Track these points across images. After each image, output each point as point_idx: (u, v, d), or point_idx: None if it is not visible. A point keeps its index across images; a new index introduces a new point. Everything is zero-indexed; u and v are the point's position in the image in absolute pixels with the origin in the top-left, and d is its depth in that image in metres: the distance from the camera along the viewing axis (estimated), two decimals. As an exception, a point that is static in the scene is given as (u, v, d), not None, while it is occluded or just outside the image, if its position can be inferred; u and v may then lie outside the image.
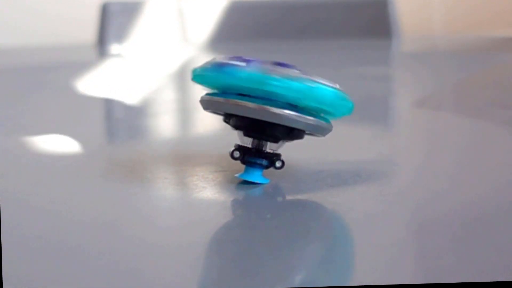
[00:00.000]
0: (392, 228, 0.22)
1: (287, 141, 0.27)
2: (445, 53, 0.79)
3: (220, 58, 0.25)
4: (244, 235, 0.22)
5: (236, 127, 0.26)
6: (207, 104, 0.26)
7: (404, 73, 0.65)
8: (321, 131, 0.26)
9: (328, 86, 0.25)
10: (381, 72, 0.63)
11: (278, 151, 0.27)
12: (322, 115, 0.26)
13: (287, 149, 0.31)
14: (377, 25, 0.98)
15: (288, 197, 0.26)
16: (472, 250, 0.20)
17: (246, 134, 0.26)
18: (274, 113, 0.25)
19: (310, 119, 0.25)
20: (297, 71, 0.25)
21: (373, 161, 0.31)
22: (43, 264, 0.19)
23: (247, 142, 0.27)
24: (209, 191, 0.26)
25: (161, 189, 0.27)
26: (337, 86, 0.26)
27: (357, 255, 0.20)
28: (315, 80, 0.25)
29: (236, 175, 0.27)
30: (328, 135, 0.27)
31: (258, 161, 0.26)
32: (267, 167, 0.26)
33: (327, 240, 0.21)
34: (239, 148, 0.26)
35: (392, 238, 0.21)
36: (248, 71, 0.24)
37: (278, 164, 0.26)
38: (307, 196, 0.26)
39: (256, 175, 0.26)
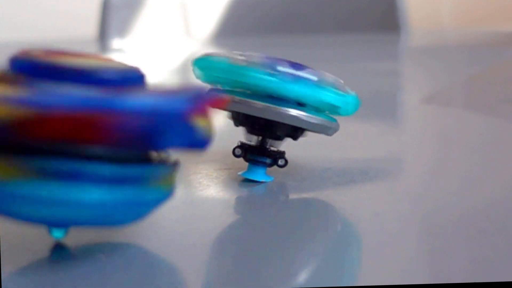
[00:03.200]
0: (400, 228, 0.22)
1: (292, 139, 0.26)
2: (455, 47, 0.78)
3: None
4: (248, 234, 0.21)
5: (240, 124, 0.26)
6: None
7: (413, 68, 0.64)
8: (327, 130, 0.26)
9: (335, 90, 0.25)
10: (389, 67, 0.63)
11: (283, 147, 0.26)
12: (327, 113, 0.26)
13: (292, 146, 0.31)
14: (385, 19, 0.97)
15: (293, 196, 0.25)
16: (484, 250, 0.19)
17: (250, 131, 0.26)
18: (280, 113, 0.24)
19: (316, 118, 0.25)
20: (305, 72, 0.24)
21: (381, 159, 0.30)
22: (46, 265, 0.19)
23: (251, 139, 0.26)
24: (213, 189, 0.26)
25: (163, 187, 0.26)
26: (342, 85, 0.25)
27: (364, 255, 0.19)
28: (321, 84, 0.24)
29: (239, 173, 0.27)
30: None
31: (261, 160, 0.26)
32: (270, 165, 0.26)
33: (333, 240, 0.21)
34: (241, 145, 0.26)
35: (400, 238, 0.21)
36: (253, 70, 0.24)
37: (281, 162, 0.26)
38: (312, 194, 0.25)
39: (259, 174, 0.26)
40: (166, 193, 0.19)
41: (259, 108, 0.24)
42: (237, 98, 0.25)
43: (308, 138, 0.30)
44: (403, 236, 0.21)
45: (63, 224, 0.18)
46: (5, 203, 0.18)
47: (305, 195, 0.25)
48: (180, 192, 0.26)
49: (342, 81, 0.26)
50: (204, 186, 0.26)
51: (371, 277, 0.18)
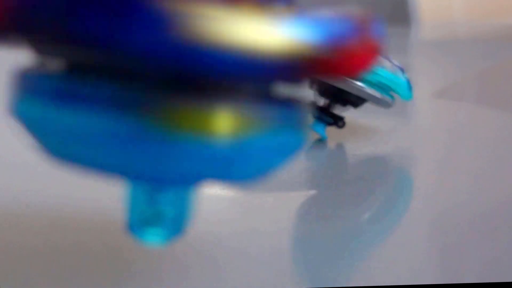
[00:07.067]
0: (411, 226, 0.21)
1: (353, 107, 0.31)
2: (467, 40, 0.77)
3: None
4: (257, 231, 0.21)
5: (314, 87, 0.31)
6: None
7: (424, 62, 0.64)
8: (383, 103, 0.30)
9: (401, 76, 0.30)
10: (399, 61, 0.62)
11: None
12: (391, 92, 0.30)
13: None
14: (395, 11, 0.96)
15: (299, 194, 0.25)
16: (498, 249, 0.19)
17: (321, 94, 0.31)
18: (349, 83, 0.29)
19: (375, 92, 0.29)
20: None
21: (391, 155, 0.30)
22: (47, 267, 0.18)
23: (319, 100, 0.32)
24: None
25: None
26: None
27: (372, 254, 0.19)
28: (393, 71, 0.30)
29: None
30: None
31: (325, 118, 0.31)
32: (331, 124, 0.31)
33: (340, 239, 0.20)
34: (311, 104, 0.31)
35: (411, 236, 0.20)
36: None
37: (340, 123, 0.31)
38: (319, 192, 0.25)
39: (321, 129, 0.31)
40: (296, 140, 0.14)
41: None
42: None
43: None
44: (413, 235, 0.20)
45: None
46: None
47: (311, 192, 0.25)
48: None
49: (399, 65, 0.30)
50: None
51: (381, 276, 0.17)
